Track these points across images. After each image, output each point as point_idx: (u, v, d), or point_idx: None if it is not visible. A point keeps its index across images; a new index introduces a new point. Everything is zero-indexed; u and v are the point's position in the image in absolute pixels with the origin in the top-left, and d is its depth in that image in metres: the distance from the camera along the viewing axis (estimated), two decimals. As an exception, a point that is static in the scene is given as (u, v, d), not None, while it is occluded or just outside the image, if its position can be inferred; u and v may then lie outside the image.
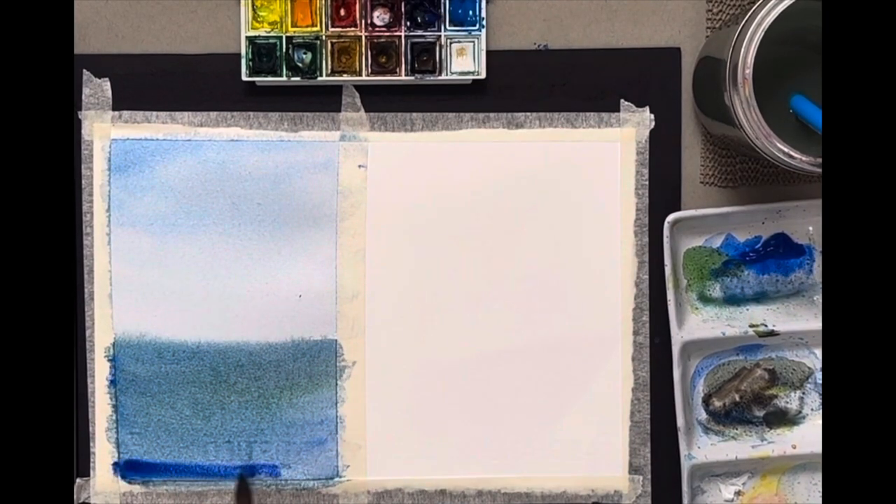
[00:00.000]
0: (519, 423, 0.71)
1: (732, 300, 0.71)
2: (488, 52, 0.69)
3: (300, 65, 0.69)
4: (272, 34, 0.68)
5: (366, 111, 0.70)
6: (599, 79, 0.70)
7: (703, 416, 0.71)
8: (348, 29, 0.69)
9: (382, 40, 0.69)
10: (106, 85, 0.70)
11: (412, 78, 0.69)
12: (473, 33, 0.69)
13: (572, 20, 0.70)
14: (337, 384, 0.71)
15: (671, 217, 0.69)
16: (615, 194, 0.71)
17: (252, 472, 0.70)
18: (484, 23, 0.69)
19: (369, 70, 0.69)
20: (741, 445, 0.71)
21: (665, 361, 0.70)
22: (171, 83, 0.70)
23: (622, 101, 0.70)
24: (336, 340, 0.71)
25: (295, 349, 0.71)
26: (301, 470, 0.71)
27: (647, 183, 0.71)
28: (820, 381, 0.71)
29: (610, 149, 0.71)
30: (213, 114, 0.70)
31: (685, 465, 0.70)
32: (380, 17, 0.69)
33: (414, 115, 0.70)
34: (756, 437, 0.71)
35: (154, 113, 0.70)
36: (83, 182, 0.70)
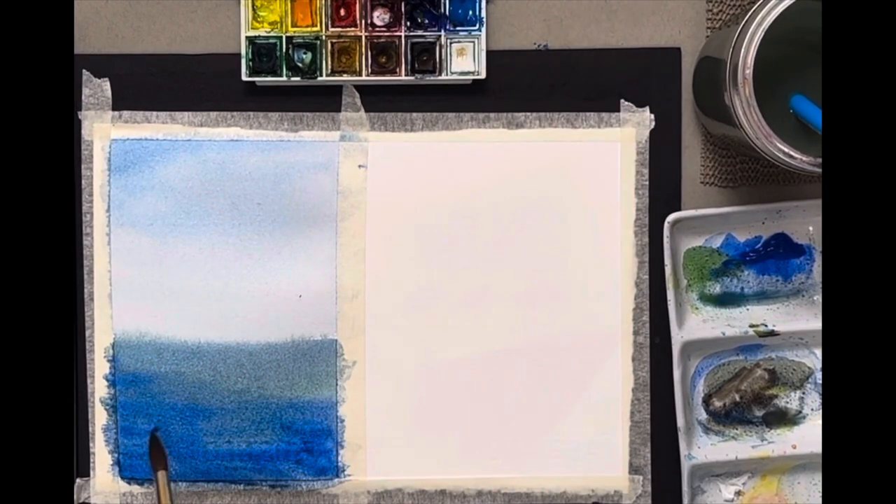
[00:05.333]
0: (519, 423, 0.71)
1: (732, 300, 0.71)
2: (488, 52, 0.69)
3: (300, 65, 0.69)
4: (272, 34, 0.68)
5: (366, 111, 0.70)
6: (599, 79, 0.70)
7: (704, 416, 0.71)
8: (348, 29, 0.69)
9: (382, 40, 0.69)
10: (106, 85, 0.70)
11: (412, 78, 0.69)
12: (473, 33, 0.69)
13: (572, 20, 0.70)
14: (337, 384, 0.71)
15: (671, 217, 0.69)
16: (615, 194, 0.71)
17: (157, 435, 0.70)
18: (484, 23, 0.69)
19: (369, 70, 0.69)
20: (741, 445, 0.71)
21: (665, 361, 0.70)
22: (171, 83, 0.70)
23: (622, 101, 0.70)
24: (336, 340, 0.71)
25: (295, 349, 0.71)
26: (301, 470, 0.71)
27: (647, 183, 0.71)
28: (820, 381, 0.71)
29: (610, 149, 0.71)
30: (213, 114, 0.70)
31: (685, 466, 0.70)
32: (380, 17, 0.69)
33: (414, 115, 0.70)
34: (756, 437, 0.71)
35: (154, 113, 0.70)
36: (83, 182, 0.70)
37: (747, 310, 0.71)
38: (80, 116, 0.70)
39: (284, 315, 0.70)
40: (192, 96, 0.70)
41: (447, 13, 0.69)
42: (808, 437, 0.71)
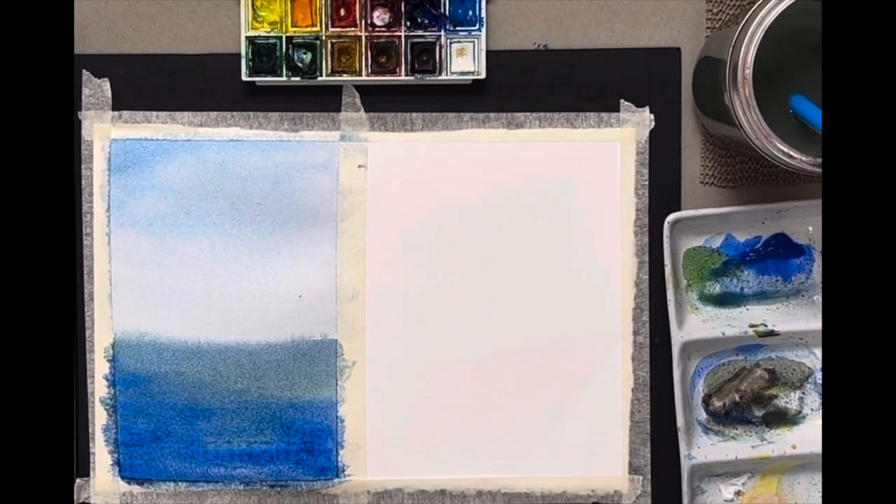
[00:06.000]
0: (519, 423, 0.71)
1: (732, 300, 0.71)
2: (488, 52, 0.69)
3: (300, 65, 0.69)
4: (272, 34, 0.68)
5: (366, 111, 0.70)
6: (599, 79, 0.70)
7: (703, 416, 0.71)
8: (348, 29, 0.69)
9: (382, 40, 0.69)
10: (106, 85, 0.70)
11: (412, 78, 0.69)
12: (473, 33, 0.69)
13: (572, 20, 0.70)
14: (337, 384, 0.71)
15: (671, 217, 0.69)
16: (615, 194, 0.71)
17: None
18: (484, 23, 0.69)
19: (369, 70, 0.69)
20: (741, 445, 0.71)
21: (665, 361, 0.70)
22: (171, 83, 0.70)
23: (622, 101, 0.70)
24: (336, 340, 0.71)
25: (295, 349, 0.71)
26: (301, 470, 0.71)
27: (647, 183, 0.71)
28: (820, 381, 0.71)
29: (610, 149, 0.71)
30: (213, 114, 0.70)
31: (685, 466, 0.70)
32: (380, 17, 0.69)
33: (414, 115, 0.70)
34: (756, 437, 0.71)
35: (154, 113, 0.70)
36: (83, 182, 0.70)
37: (747, 310, 0.71)
38: (80, 116, 0.70)
39: (284, 315, 0.70)
40: (192, 96, 0.70)
41: (447, 13, 0.69)
42: (807, 437, 0.71)
